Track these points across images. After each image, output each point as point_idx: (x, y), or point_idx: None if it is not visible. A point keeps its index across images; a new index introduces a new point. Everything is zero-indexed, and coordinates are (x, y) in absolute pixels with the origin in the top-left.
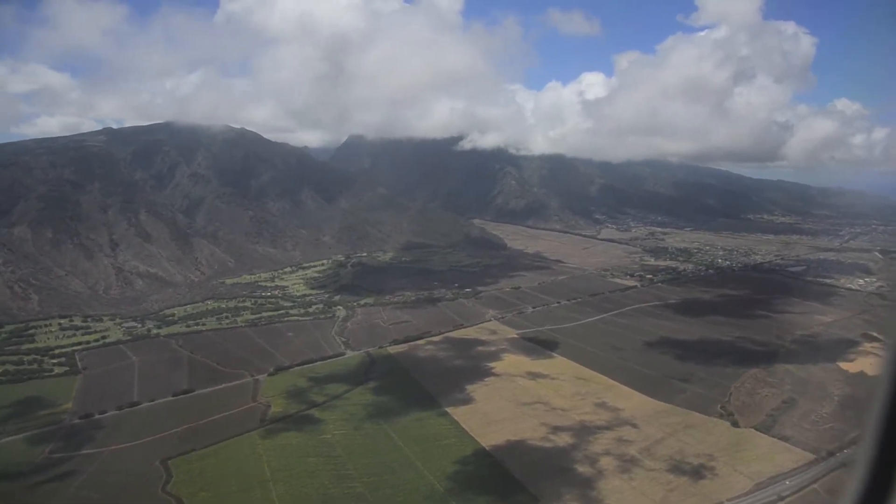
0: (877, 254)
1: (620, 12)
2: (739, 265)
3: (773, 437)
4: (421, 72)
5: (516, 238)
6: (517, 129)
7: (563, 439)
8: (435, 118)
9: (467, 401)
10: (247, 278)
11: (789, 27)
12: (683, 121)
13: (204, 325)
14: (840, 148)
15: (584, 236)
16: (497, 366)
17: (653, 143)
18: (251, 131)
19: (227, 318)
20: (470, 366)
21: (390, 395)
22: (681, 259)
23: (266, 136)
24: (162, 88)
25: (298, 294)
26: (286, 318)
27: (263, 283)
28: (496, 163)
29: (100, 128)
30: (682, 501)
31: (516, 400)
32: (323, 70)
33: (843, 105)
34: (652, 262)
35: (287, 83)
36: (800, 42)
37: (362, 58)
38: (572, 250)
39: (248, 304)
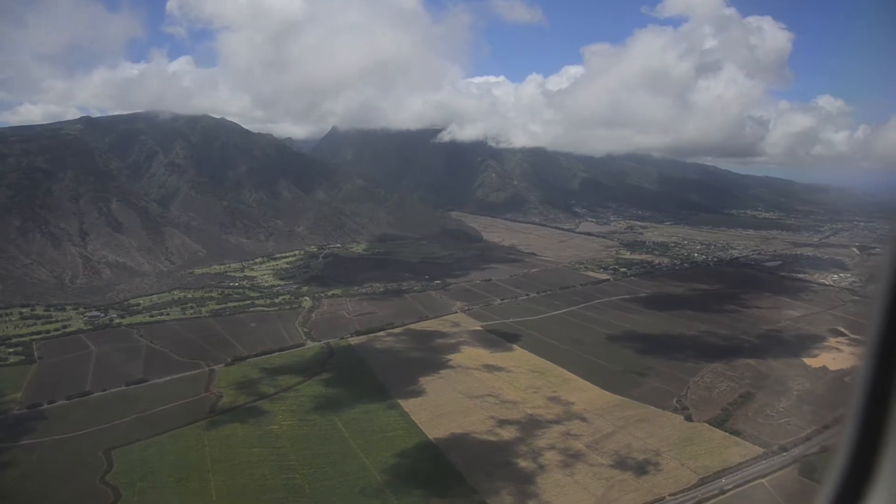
0: (854, 249)
1: (594, 4)
2: (715, 259)
3: (726, 431)
4: (379, 58)
5: (494, 231)
6: (497, 121)
7: (509, 433)
8: (411, 109)
9: (419, 393)
10: (216, 268)
11: (765, 22)
12: (655, 113)
13: (168, 314)
14: (820, 144)
15: (563, 230)
16: (454, 358)
17: (624, 135)
18: (231, 121)
19: (191, 308)
20: (427, 358)
21: (342, 386)
22: (657, 253)
23: (248, 127)
24: (136, 78)
25: (267, 285)
26: (251, 309)
27: (232, 274)
28: (478, 156)
29: (90, 116)
30: (623, 496)
31: (468, 392)
32: (279, 57)
33: (826, 102)
34: (628, 255)
35: (248, 72)
36: (775, 37)
37: (319, 45)
38: (548, 243)
39: (214, 294)
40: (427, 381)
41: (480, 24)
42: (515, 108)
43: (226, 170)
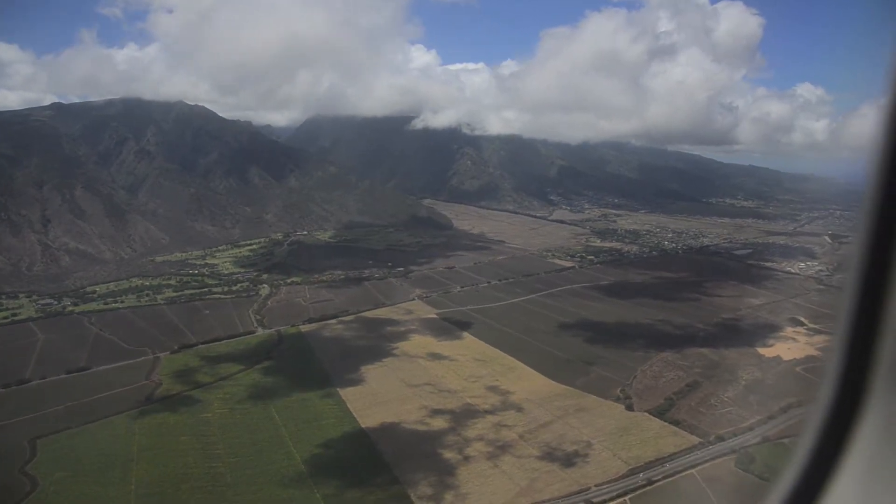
0: (826, 238)
1: None
2: (685, 247)
3: (665, 421)
4: (329, 38)
5: (465, 218)
6: (472, 108)
7: (440, 423)
8: (382, 95)
9: (358, 381)
10: (178, 256)
11: (734, 8)
12: (614, 97)
13: (122, 302)
14: (799, 132)
15: (535, 217)
16: (402, 346)
17: (587, 120)
18: (205, 108)
19: (147, 295)
20: (373, 346)
21: (283, 374)
22: (627, 241)
23: (227, 114)
24: (111, 64)
25: (226, 272)
26: (207, 297)
27: (193, 261)
28: (455, 143)
29: (62, 102)
30: (547, 487)
31: (408, 381)
32: (219, 36)
33: (805, 90)
34: (598, 243)
35: (190, 53)
36: (745, 23)
37: (260, 23)
38: (519, 231)
39: (172, 282)
40: (369, 370)
41: (460, 6)
42: (487, 95)
43: (197, 157)
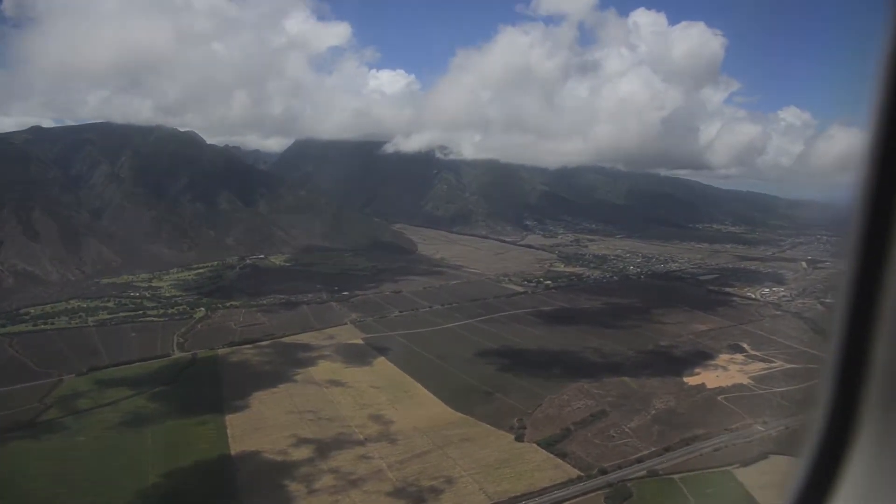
0: (802, 263)
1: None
2: (649, 272)
3: (552, 452)
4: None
5: (432, 243)
6: (444, 131)
7: (302, 453)
8: (346, 119)
9: (244, 407)
10: (125, 278)
11: (694, 28)
12: (549, 117)
13: (52, 324)
14: (782, 155)
15: (505, 242)
16: (306, 371)
17: (526, 141)
18: (186, 132)
19: (79, 317)
20: (277, 371)
21: (172, 399)
22: (592, 266)
23: (215, 140)
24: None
25: (168, 295)
26: (140, 319)
27: (138, 284)
28: (434, 167)
29: (41, 126)
30: None
31: (294, 408)
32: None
33: (790, 113)
34: (561, 268)
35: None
36: (706, 44)
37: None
38: (483, 256)
39: (110, 304)
40: (260, 396)
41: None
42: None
43: (170, 181)
